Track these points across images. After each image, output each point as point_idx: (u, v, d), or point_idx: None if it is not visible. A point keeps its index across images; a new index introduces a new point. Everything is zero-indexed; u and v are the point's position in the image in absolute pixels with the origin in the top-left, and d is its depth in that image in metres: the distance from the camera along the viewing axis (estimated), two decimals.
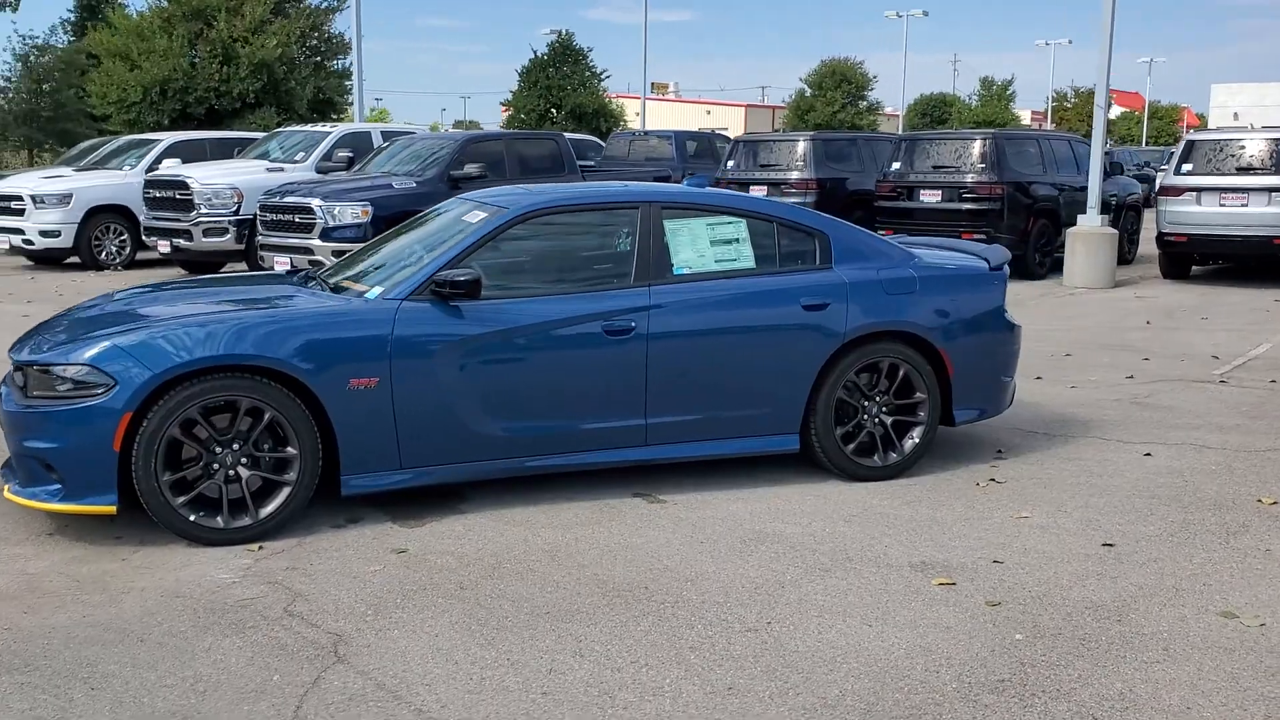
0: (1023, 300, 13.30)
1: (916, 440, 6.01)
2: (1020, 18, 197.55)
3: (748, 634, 4.07)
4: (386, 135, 16.47)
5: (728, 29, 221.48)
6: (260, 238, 13.82)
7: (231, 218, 14.90)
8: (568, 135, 24.47)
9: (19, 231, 16.35)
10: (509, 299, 5.38)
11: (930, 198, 15.22)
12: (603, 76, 44.25)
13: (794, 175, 16.95)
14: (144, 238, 16.03)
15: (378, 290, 5.31)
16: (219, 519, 4.96)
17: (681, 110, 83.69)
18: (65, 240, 16.32)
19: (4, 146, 36.91)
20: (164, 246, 15.41)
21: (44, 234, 16.24)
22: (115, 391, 4.75)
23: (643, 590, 4.48)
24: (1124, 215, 17.11)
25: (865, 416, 5.95)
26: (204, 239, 14.93)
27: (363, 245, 6.30)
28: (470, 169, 13.55)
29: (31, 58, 34.40)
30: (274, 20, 26.54)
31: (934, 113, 70.37)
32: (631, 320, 5.45)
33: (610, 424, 5.51)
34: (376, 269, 5.67)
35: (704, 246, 5.74)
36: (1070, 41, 68.67)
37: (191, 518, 4.90)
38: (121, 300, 5.75)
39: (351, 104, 24.61)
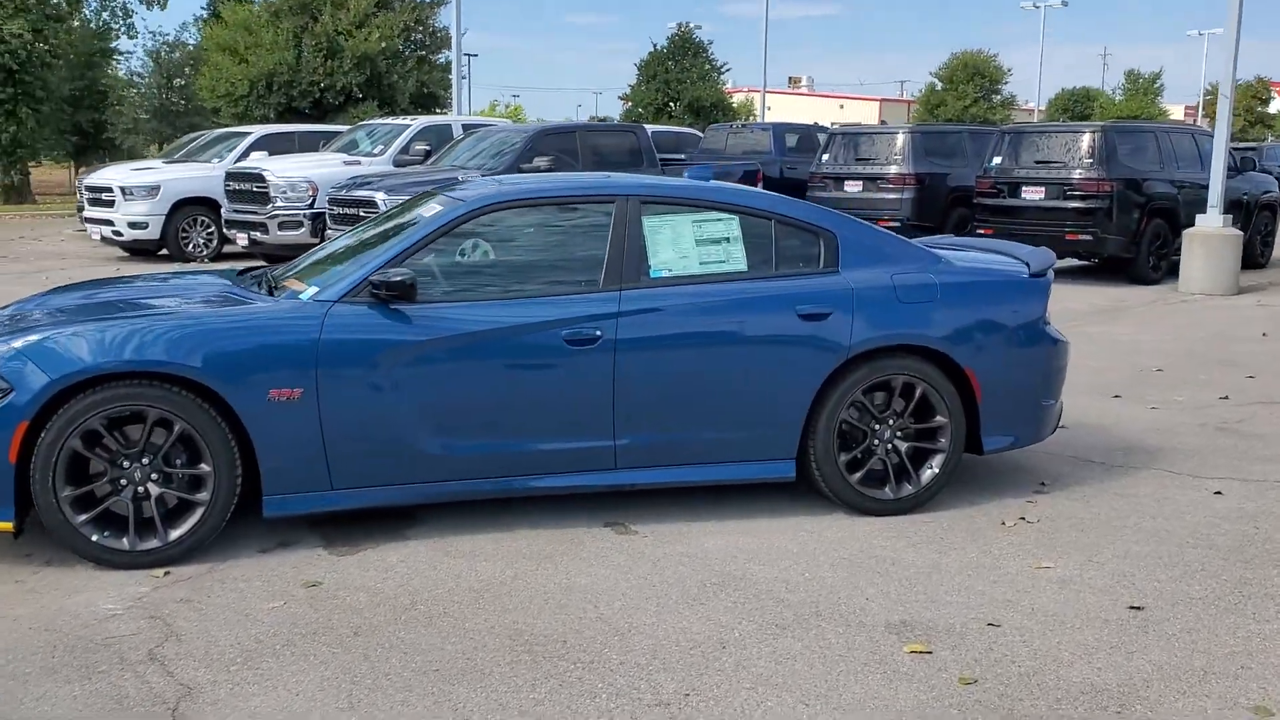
0: (1129, 306, 12.21)
1: (936, 470, 5.24)
2: (1171, 7, 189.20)
3: (656, 709, 3.42)
4: (467, 128, 16.13)
5: (869, 23, 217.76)
6: (329, 231, 13.63)
7: (306, 211, 14.76)
8: (670, 129, 23.94)
9: (109, 223, 16.52)
10: (460, 302, 4.81)
11: (1033, 195, 14.15)
12: (723, 70, 43.53)
13: (891, 170, 16.04)
14: (225, 230, 16.03)
15: (312, 291, 4.80)
16: (125, 540, 4.51)
17: (814, 104, 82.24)
18: (153, 232, 16.41)
19: (137, 140, 38.05)
20: (243, 239, 15.37)
21: (132, 225, 16.36)
22: (10, 398, 4.34)
23: (559, 645, 3.86)
24: (1257, 215, 15.68)
25: (875, 442, 5.21)
26: (279, 232, 14.82)
27: (334, 240, 5.80)
28: (539, 162, 13.11)
29: (162, 54, 35.34)
30: (378, 14, 26.62)
31: (1076, 108, 67.52)
32: (597, 328, 4.83)
33: (573, 445, 4.90)
34: (329, 267, 5.16)
35: (688, 246, 5.08)
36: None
37: (94, 538, 4.47)
38: (59, 297, 5.35)
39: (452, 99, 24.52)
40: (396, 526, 4.99)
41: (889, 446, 5.23)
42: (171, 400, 4.45)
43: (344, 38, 25.72)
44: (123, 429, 4.52)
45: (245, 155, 16.98)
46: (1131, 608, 4.19)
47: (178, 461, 4.56)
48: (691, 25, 44.15)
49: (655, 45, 43.66)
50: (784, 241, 5.20)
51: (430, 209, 5.11)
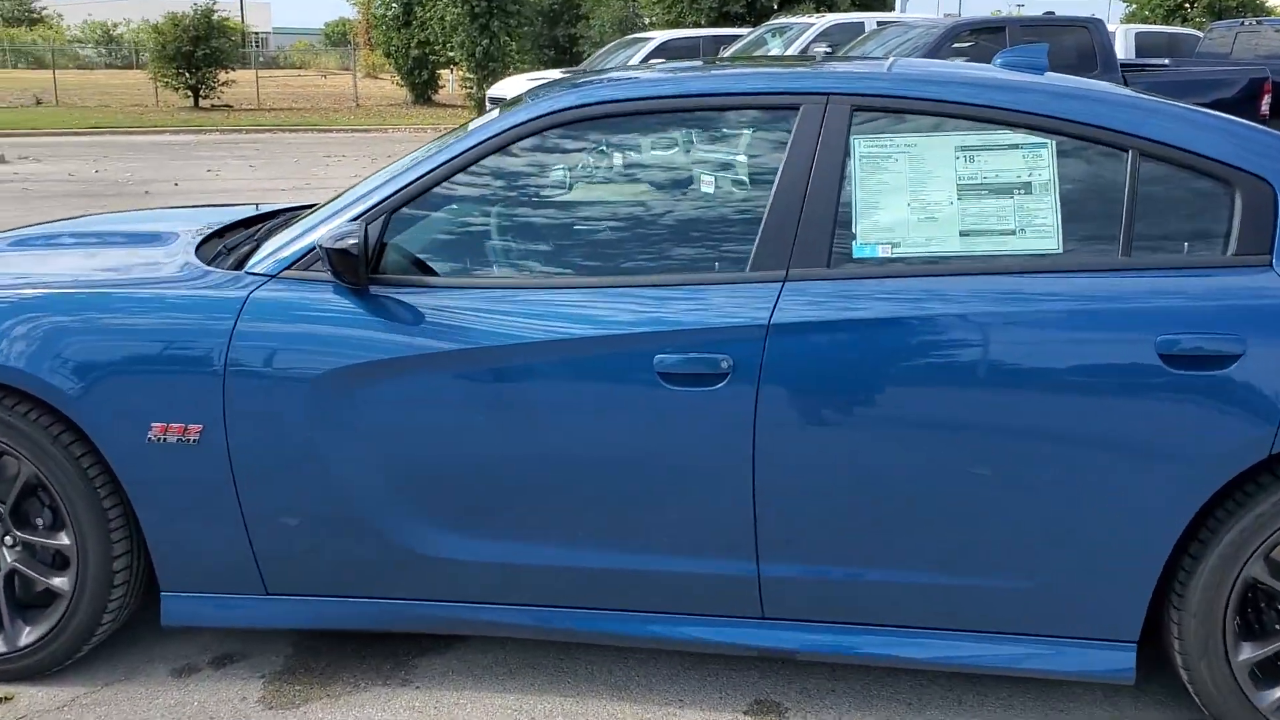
0: None
1: None
2: None
3: None
4: (883, 24, 13.52)
5: None
6: None
7: None
8: (1161, 28, 19.69)
9: None
10: (482, 288, 2.65)
11: None
12: None
13: None
14: None
15: (260, 257, 2.84)
16: None
17: None
18: None
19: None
20: None
21: None
22: None
23: None
24: None
25: None
26: None
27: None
28: None
29: None
30: None
31: None
32: (723, 353, 2.48)
33: (678, 567, 2.62)
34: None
35: (941, 198, 2.56)
36: None
37: None
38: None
39: None
40: (411, 659, 2.98)
41: None
42: (5, 426, 2.71)
43: None
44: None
45: (645, 62, 15.51)
46: None
47: (38, 522, 2.84)
48: None
49: None
50: (1150, 195, 2.52)
51: (484, 119, 2.95)
